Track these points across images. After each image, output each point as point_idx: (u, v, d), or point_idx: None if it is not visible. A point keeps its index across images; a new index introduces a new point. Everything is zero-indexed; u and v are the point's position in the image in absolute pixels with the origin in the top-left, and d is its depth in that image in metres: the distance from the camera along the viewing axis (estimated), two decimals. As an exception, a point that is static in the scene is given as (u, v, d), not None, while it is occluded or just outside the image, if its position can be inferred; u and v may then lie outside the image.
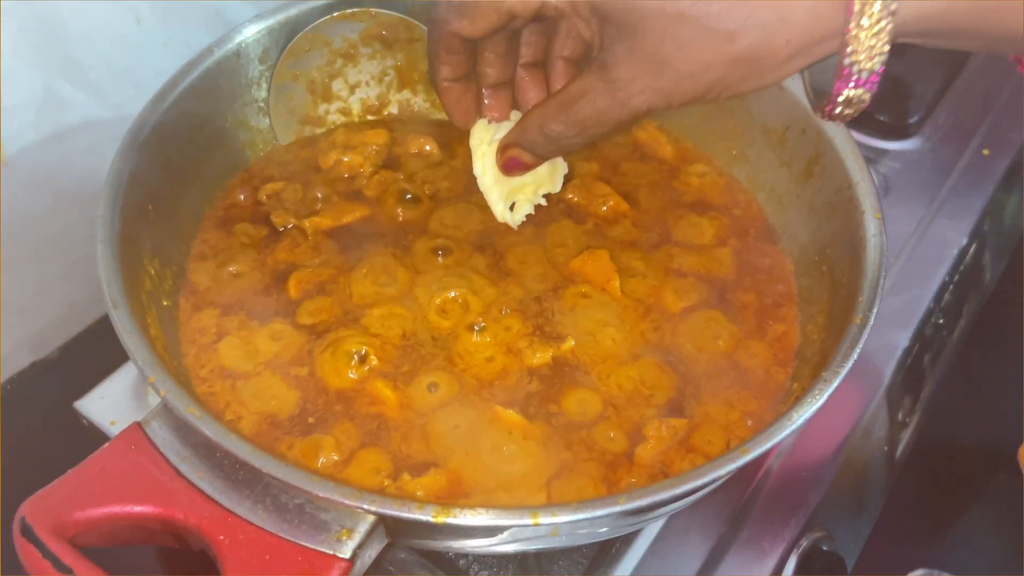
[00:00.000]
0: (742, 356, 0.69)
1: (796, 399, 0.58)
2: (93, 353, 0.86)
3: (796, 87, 0.75)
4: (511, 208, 0.72)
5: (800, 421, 0.54)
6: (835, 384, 0.56)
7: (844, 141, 0.70)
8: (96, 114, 0.87)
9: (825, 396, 0.55)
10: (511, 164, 0.66)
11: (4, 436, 0.88)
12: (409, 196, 0.77)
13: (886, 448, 0.88)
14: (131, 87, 0.89)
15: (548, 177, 0.71)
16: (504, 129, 0.68)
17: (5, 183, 0.81)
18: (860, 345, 0.58)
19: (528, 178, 0.70)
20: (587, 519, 0.50)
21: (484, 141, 0.70)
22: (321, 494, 0.50)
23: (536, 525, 0.49)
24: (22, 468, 0.85)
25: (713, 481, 0.52)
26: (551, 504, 0.53)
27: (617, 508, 0.50)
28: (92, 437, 0.78)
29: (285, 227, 0.75)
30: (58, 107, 0.84)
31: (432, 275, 0.72)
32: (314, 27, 0.78)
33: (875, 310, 0.59)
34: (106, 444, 0.53)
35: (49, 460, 0.83)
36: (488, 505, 0.50)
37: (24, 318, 0.91)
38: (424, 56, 0.81)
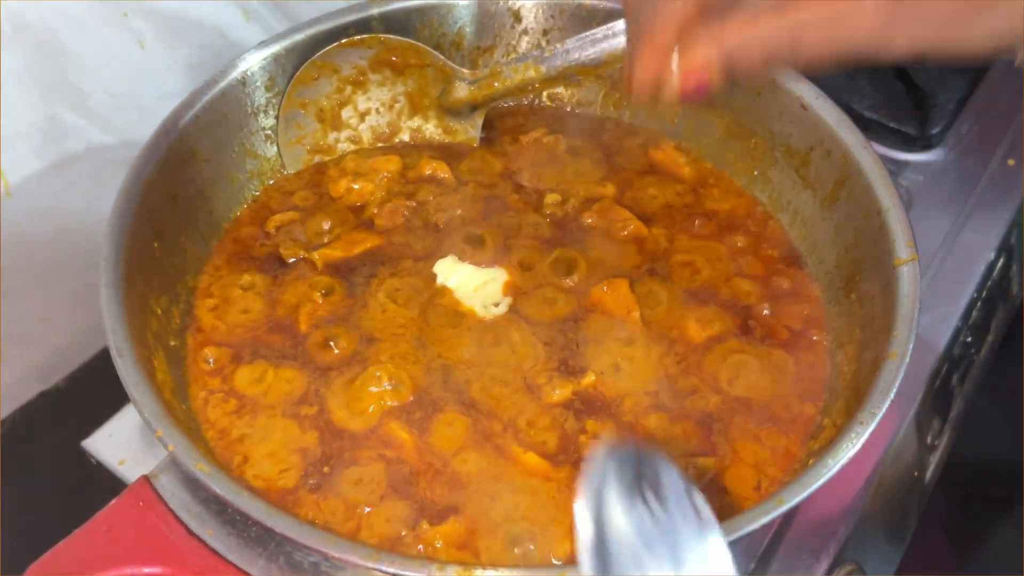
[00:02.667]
0: (769, 390, 0.66)
1: (830, 440, 0.56)
2: (101, 382, 0.84)
3: (821, 106, 0.72)
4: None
5: (836, 468, 0.52)
6: (872, 426, 0.53)
7: (872, 164, 0.68)
8: (99, 140, 0.85)
9: (862, 440, 0.53)
10: (701, 88, 0.55)
11: (11, 473, 0.86)
12: (422, 225, 0.75)
13: (915, 473, 0.86)
14: (134, 112, 0.87)
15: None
16: (459, 271, 0.71)
17: (8, 213, 0.80)
18: (896, 384, 0.55)
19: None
20: (616, 577, 0.48)
21: (452, 273, 0.72)
22: (336, 554, 0.48)
23: (564, 586, 0.47)
24: (30, 507, 0.84)
25: (748, 534, 0.50)
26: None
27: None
28: (101, 476, 0.76)
29: (294, 259, 0.73)
30: (60, 134, 0.82)
31: (443, 314, 0.70)
32: (322, 54, 0.76)
33: (911, 346, 0.57)
34: (113, 501, 0.51)
35: (57, 499, 0.82)
36: (512, 565, 0.48)
37: (30, 348, 0.89)
38: (435, 82, 0.79)
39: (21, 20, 0.73)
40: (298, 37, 0.76)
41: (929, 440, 0.88)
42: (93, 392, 0.85)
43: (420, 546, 0.57)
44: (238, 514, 0.51)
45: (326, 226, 0.75)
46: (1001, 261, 0.96)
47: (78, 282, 0.89)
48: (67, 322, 0.91)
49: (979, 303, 0.93)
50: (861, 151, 0.69)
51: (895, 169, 1.01)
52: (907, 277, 0.62)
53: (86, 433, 0.77)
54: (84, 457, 0.77)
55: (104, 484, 0.77)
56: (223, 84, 0.72)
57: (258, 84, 0.75)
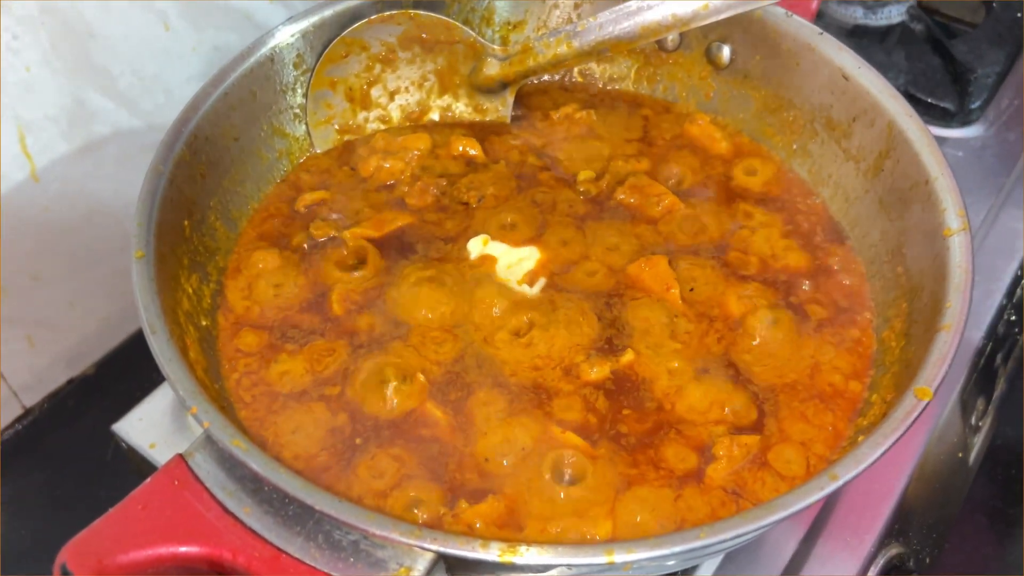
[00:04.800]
0: (814, 365, 0.65)
1: (880, 416, 0.54)
2: (130, 369, 0.84)
3: (864, 76, 0.70)
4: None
5: (891, 442, 0.50)
6: (928, 400, 0.51)
7: (919, 133, 0.66)
8: (126, 123, 0.85)
9: (917, 412, 0.51)
10: None
11: (43, 458, 0.86)
12: (454, 203, 0.74)
13: (960, 454, 0.84)
14: (161, 94, 0.86)
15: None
16: (492, 250, 0.70)
17: (36, 197, 0.79)
18: (951, 356, 0.53)
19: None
20: (663, 556, 0.46)
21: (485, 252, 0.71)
22: (378, 532, 0.47)
23: (611, 564, 0.46)
24: (62, 492, 0.84)
25: (799, 511, 0.48)
26: (624, 540, 0.49)
27: (698, 543, 0.46)
28: (132, 460, 0.76)
29: (325, 239, 0.72)
30: (88, 118, 0.82)
31: (481, 287, 0.68)
32: (351, 31, 0.74)
33: (966, 317, 0.55)
34: (148, 479, 0.50)
35: (88, 483, 0.81)
36: (555, 540, 0.46)
37: (60, 334, 0.89)
38: (465, 59, 0.78)
39: (47, 2, 0.72)
40: (327, 13, 0.74)
41: (973, 421, 0.86)
42: (123, 378, 0.85)
43: (459, 526, 0.55)
44: (275, 491, 0.50)
45: (356, 205, 0.74)
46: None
47: (107, 268, 0.88)
48: (96, 308, 0.90)
49: (1023, 280, 0.91)
50: (907, 120, 0.67)
51: (934, 145, 0.99)
52: (959, 247, 0.60)
53: (116, 419, 0.77)
54: (115, 442, 0.76)
55: (135, 468, 0.76)
56: (251, 61, 0.71)
57: (286, 61, 0.74)
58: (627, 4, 0.72)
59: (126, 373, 0.87)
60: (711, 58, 0.80)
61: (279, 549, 0.49)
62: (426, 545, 0.47)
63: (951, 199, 0.62)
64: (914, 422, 0.51)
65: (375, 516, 0.47)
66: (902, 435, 0.50)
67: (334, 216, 0.73)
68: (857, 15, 1.08)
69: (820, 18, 1.06)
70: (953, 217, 0.61)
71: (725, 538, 0.47)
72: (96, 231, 0.86)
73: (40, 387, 0.89)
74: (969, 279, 0.58)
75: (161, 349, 0.53)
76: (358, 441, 0.60)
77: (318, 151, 0.78)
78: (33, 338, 0.85)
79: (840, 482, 0.48)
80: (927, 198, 0.63)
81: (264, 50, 0.72)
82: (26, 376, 0.86)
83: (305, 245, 0.72)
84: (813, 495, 0.48)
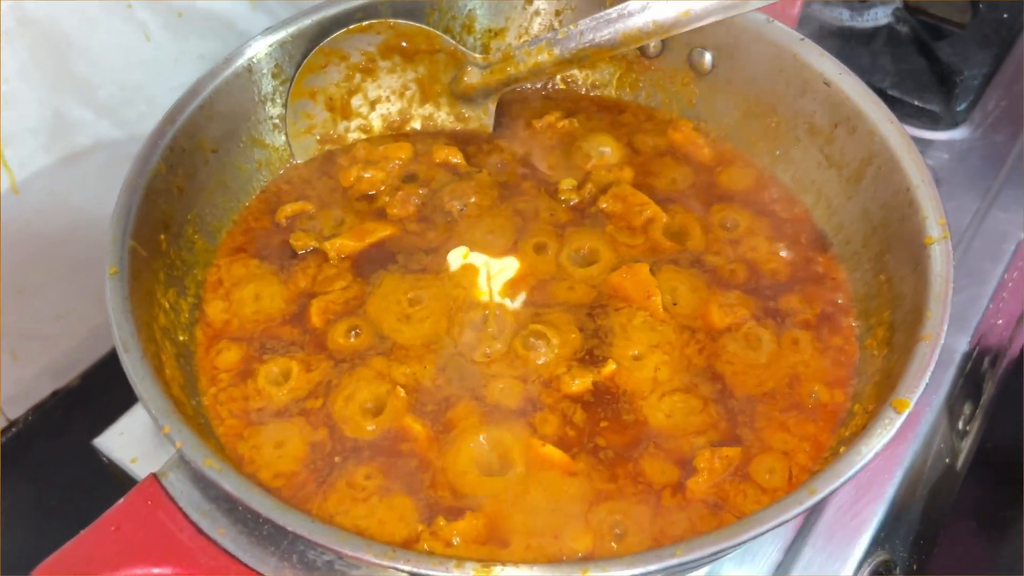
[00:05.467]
0: (796, 375, 0.64)
1: (861, 427, 0.53)
2: (115, 380, 0.83)
3: (845, 82, 0.70)
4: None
5: (870, 455, 0.49)
6: (907, 412, 0.51)
7: (900, 140, 0.65)
8: (108, 134, 0.84)
9: (897, 425, 0.51)
10: None
11: (27, 471, 0.86)
12: (435, 213, 0.73)
13: (948, 460, 0.83)
14: (144, 104, 0.86)
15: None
16: (473, 261, 0.70)
17: (18, 210, 0.79)
18: (931, 367, 0.53)
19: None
20: (639, 574, 0.46)
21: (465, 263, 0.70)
22: (351, 553, 0.46)
23: (586, 582, 0.45)
24: (45, 506, 0.83)
25: (780, 524, 0.48)
26: (602, 559, 0.49)
27: (674, 561, 0.46)
28: (114, 474, 0.75)
29: (305, 250, 0.71)
30: (69, 129, 0.81)
31: (461, 300, 0.68)
32: (330, 41, 0.74)
33: (945, 327, 0.55)
34: (120, 500, 0.50)
35: (72, 497, 0.81)
36: (531, 560, 0.46)
37: (44, 345, 0.88)
38: (446, 68, 0.78)
39: (25, 14, 0.72)
40: (305, 23, 0.74)
41: (961, 426, 0.85)
42: (108, 389, 0.84)
43: (437, 543, 0.55)
44: (249, 512, 0.49)
45: (337, 216, 0.73)
46: (1032, 241, 0.93)
47: (91, 279, 0.87)
48: (81, 319, 0.90)
49: (1010, 283, 0.90)
50: (888, 127, 0.66)
51: (920, 148, 0.98)
52: (939, 256, 0.59)
53: (100, 431, 0.76)
54: (98, 455, 0.76)
55: (118, 482, 0.76)
56: (228, 72, 0.71)
57: (265, 72, 0.73)
58: (607, 11, 0.72)
59: (111, 384, 0.86)
60: (693, 64, 0.79)
61: (253, 570, 0.48)
62: (399, 566, 0.46)
63: (932, 207, 0.62)
64: (893, 436, 0.50)
65: (348, 537, 0.47)
66: (880, 449, 0.50)
67: (314, 227, 0.73)
68: (843, 17, 1.08)
69: (806, 20, 1.06)
70: (934, 226, 0.61)
71: (702, 555, 0.46)
72: (80, 242, 0.85)
73: (25, 399, 0.89)
74: (949, 289, 0.57)
75: (134, 367, 0.53)
76: (337, 459, 0.60)
77: (298, 161, 0.78)
78: (17, 350, 0.85)
79: (818, 497, 0.48)
80: (908, 206, 0.63)
81: (241, 61, 0.72)
82: (10, 388, 0.86)
83: (285, 257, 0.71)
84: (791, 510, 0.48)
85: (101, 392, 0.89)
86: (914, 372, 0.53)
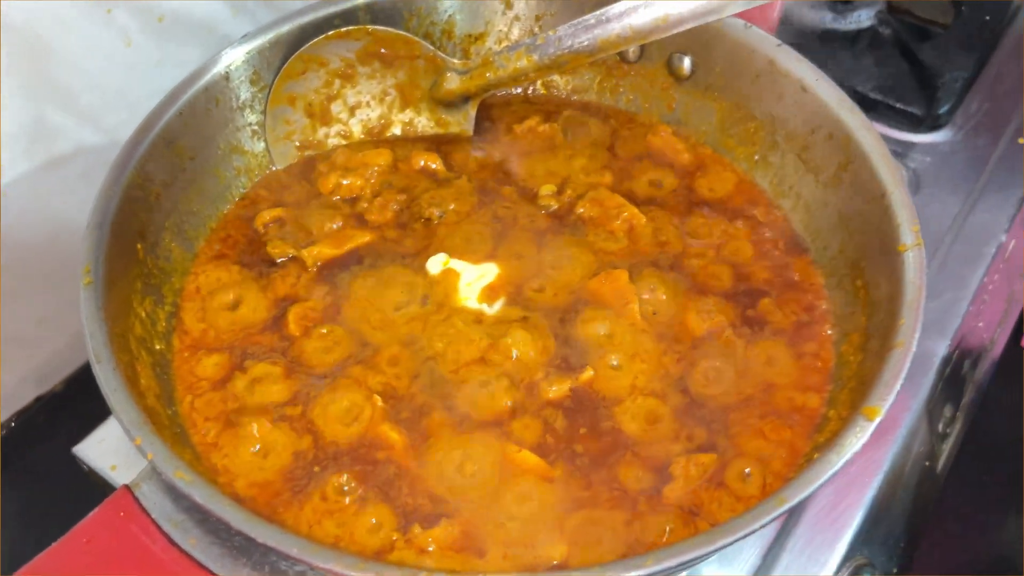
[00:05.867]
0: (772, 381, 0.64)
1: (834, 434, 0.54)
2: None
3: (821, 88, 0.70)
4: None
5: (839, 464, 0.50)
6: (876, 421, 0.51)
7: (875, 146, 0.66)
8: (89, 140, 0.84)
9: (866, 435, 0.51)
10: None
11: (10, 478, 0.86)
12: (415, 219, 0.74)
13: (927, 463, 0.83)
14: (124, 110, 0.85)
15: None
16: (452, 268, 0.70)
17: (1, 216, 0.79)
18: (902, 376, 0.53)
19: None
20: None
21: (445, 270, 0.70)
22: (321, 564, 0.46)
23: (555, 592, 0.45)
24: (28, 513, 0.83)
25: (749, 534, 0.48)
26: (571, 568, 0.49)
27: (643, 571, 0.46)
28: (95, 482, 0.75)
29: (283, 258, 0.71)
30: (50, 135, 0.81)
31: (439, 307, 0.68)
32: (309, 47, 0.74)
33: (917, 335, 0.55)
34: (93, 512, 0.50)
35: (55, 504, 0.81)
36: (505, 569, 0.46)
37: (28, 351, 0.88)
38: (425, 73, 0.78)
39: (4, 21, 0.72)
40: (282, 29, 0.74)
41: (941, 428, 0.86)
42: (93, 394, 0.84)
43: (411, 551, 0.55)
44: (220, 523, 0.49)
45: (315, 223, 0.73)
46: (1012, 244, 0.94)
47: (73, 284, 0.87)
48: (64, 324, 0.90)
49: (991, 286, 0.91)
50: (863, 133, 0.66)
51: (902, 151, 0.99)
52: (912, 263, 0.59)
53: (84, 436, 0.76)
54: (78, 461, 0.76)
55: (100, 489, 0.76)
56: (205, 79, 0.71)
57: (243, 79, 0.73)
58: (586, 17, 0.72)
59: (95, 389, 0.87)
60: (672, 69, 0.79)
61: (225, 581, 0.49)
62: (370, 577, 0.46)
63: (906, 215, 0.62)
64: (863, 445, 0.51)
65: (317, 548, 0.47)
66: (851, 458, 0.50)
67: (293, 235, 0.73)
68: (826, 19, 1.08)
69: (789, 22, 1.06)
70: (907, 233, 0.61)
71: (671, 565, 0.46)
72: (62, 248, 0.85)
73: (8, 404, 0.88)
74: (921, 296, 0.57)
75: (106, 379, 0.53)
76: (316, 469, 0.60)
77: (278, 167, 0.78)
78: (2, 356, 0.85)
79: (787, 506, 0.48)
80: (883, 212, 0.63)
81: (219, 68, 0.72)
82: (-3, 393, 0.86)
83: (264, 265, 0.71)
84: (760, 520, 0.48)
85: (85, 398, 0.89)
86: (886, 380, 0.53)
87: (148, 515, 0.50)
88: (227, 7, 0.88)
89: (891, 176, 0.64)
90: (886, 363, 0.55)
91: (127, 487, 0.51)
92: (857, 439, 0.51)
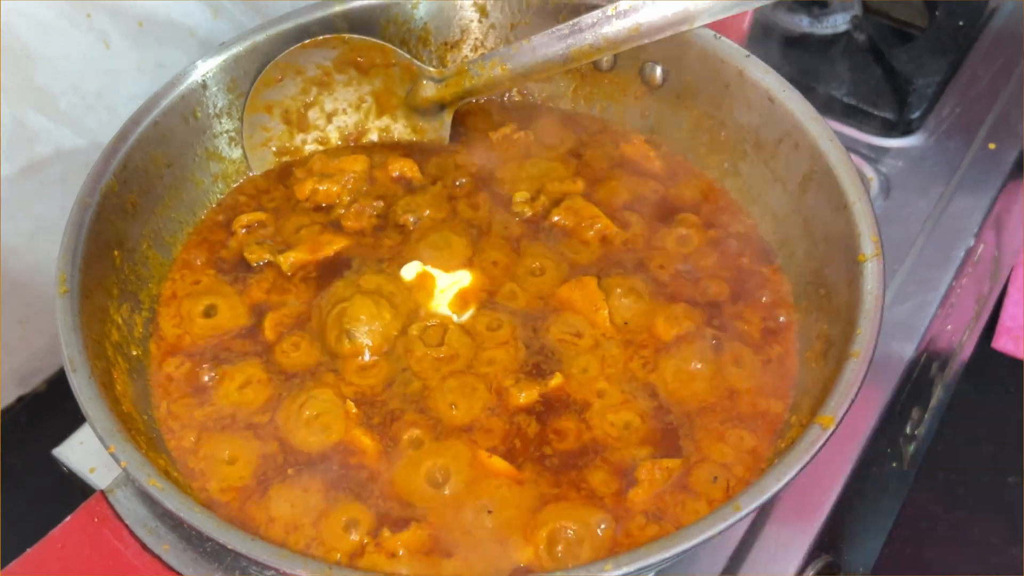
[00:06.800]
0: (737, 387, 0.66)
1: (793, 440, 0.55)
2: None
3: (788, 98, 0.71)
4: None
5: (794, 473, 0.51)
6: (831, 430, 0.53)
7: (839, 157, 0.67)
8: (69, 142, 0.85)
9: (820, 444, 0.52)
10: None
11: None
12: (390, 225, 0.75)
13: (894, 464, 0.85)
14: (104, 113, 0.86)
15: None
16: (426, 275, 0.71)
17: (-21, 218, 0.79)
18: (858, 386, 0.55)
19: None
20: (571, 588, 0.48)
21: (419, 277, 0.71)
22: (288, 570, 0.48)
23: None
24: (14, 512, 0.84)
25: (707, 540, 0.49)
26: (536, 571, 0.51)
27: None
28: (75, 484, 0.76)
29: (259, 263, 0.72)
30: (29, 138, 0.82)
31: (412, 314, 0.69)
32: (285, 55, 0.75)
33: (874, 345, 0.56)
34: (67, 518, 0.51)
35: (35, 505, 0.82)
36: (479, 568, 0.48)
37: (9, 353, 0.89)
38: (401, 81, 0.78)
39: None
40: (259, 38, 0.75)
41: (908, 430, 0.87)
42: (74, 397, 0.85)
43: (381, 555, 0.56)
44: (192, 530, 0.50)
45: (292, 228, 0.74)
46: (981, 248, 0.95)
47: (55, 285, 0.88)
48: (47, 326, 0.89)
49: (959, 290, 0.92)
50: (828, 144, 0.68)
51: (874, 155, 1.00)
52: (871, 273, 0.61)
53: (66, 437, 0.77)
54: (58, 464, 0.77)
55: (80, 491, 0.77)
56: (182, 88, 0.72)
57: (219, 86, 0.74)
58: (559, 27, 0.73)
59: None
60: (644, 78, 0.81)
61: (197, 586, 0.50)
62: (336, 583, 0.48)
63: (866, 225, 0.63)
64: (818, 451, 0.52)
65: (285, 553, 0.48)
66: (805, 465, 0.51)
67: (269, 240, 0.74)
68: (803, 24, 1.09)
69: (767, 27, 1.08)
70: (867, 243, 0.62)
71: (630, 570, 0.48)
72: (42, 250, 0.86)
73: (-11, 407, 0.89)
74: (879, 306, 0.59)
75: (81, 387, 0.54)
76: (290, 472, 0.61)
77: (255, 174, 0.79)
78: (-19, 357, 0.86)
79: (743, 513, 0.50)
80: (845, 222, 0.64)
81: (195, 76, 0.73)
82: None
83: (240, 270, 0.72)
84: (716, 527, 0.49)
85: (67, 398, 0.90)
86: (841, 390, 0.55)
87: (122, 521, 0.51)
88: (207, 10, 0.88)
89: (853, 186, 0.65)
90: (842, 373, 0.56)
91: (102, 493, 0.52)
92: (811, 447, 0.52)
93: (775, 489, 0.51)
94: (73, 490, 0.79)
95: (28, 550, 0.51)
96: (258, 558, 0.48)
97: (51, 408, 0.92)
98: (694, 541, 0.49)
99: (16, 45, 0.76)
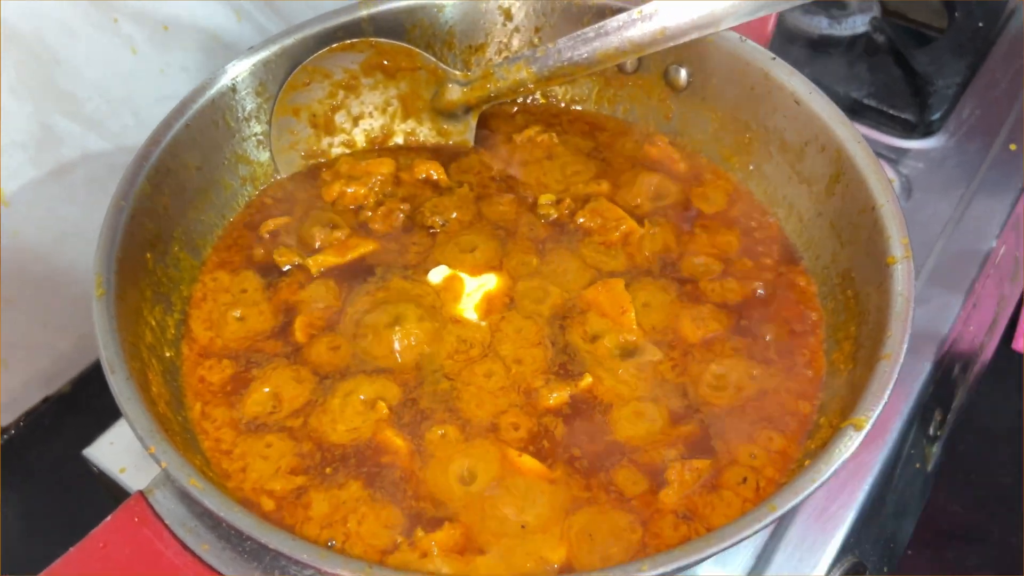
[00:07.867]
0: (765, 388, 0.66)
1: (825, 441, 0.55)
2: (106, 386, 0.85)
3: (815, 101, 0.72)
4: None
5: (829, 473, 0.51)
6: (865, 431, 0.53)
7: (866, 159, 0.67)
8: (95, 146, 0.86)
9: (855, 445, 0.53)
10: None
11: (17, 480, 0.87)
12: (417, 227, 0.75)
13: (918, 465, 0.85)
14: (129, 117, 0.87)
15: None
16: (453, 278, 0.72)
17: (7, 221, 0.80)
18: (890, 387, 0.55)
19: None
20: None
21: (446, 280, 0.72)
22: (328, 569, 0.48)
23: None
24: (35, 515, 0.85)
25: (742, 539, 0.50)
26: (570, 572, 0.51)
27: (639, 576, 0.48)
28: (104, 484, 0.77)
29: (289, 266, 0.73)
30: (56, 142, 0.82)
31: (440, 316, 0.70)
32: (313, 59, 0.75)
33: (905, 347, 0.57)
34: (108, 518, 0.52)
35: (62, 506, 0.83)
36: (503, 573, 0.48)
37: (34, 354, 0.90)
38: (427, 84, 0.79)
39: (12, 30, 0.73)
40: (287, 42, 0.75)
41: (931, 431, 0.87)
42: (99, 395, 0.85)
43: (414, 554, 0.57)
44: (231, 529, 0.51)
45: (320, 231, 0.75)
46: (1003, 250, 0.95)
47: (80, 288, 0.89)
48: (71, 327, 0.91)
49: (981, 291, 0.92)
50: (855, 146, 0.68)
51: (894, 156, 1.00)
52: (901, 275, 0.61)
53: (91, 437, 0.78)
54: (88, 464, 0.78)
55: (108, 491, 0.77)
56: (212, 92, 0.72)
57: (248, 90, 0.75)
58: (585, 31, 0.74)
59: (102, 390, 0.88)
60: (669, 80, 0.81)
61: (236, 585, 0.50)
62: (376, 582, 0.48)
63: (895, 227, 0.63)
64: (851, 454, 0.52)
65: (326, 553, 0.48)
66: (840, 467, 0.52)
67: (298, 243, 0.75)
68: (822, 25, 1.09)
69: (786, 29, 1.08)
70: (896, 245, 0.62)
71: (666, 571, 0.48)
72: (68, 253, 0.87)
73: (15, 406, 0.90)
74: (910, 308, 0.59)
75: (120, 389, 0.55)
76: (328, 471, 0.61)
77: (283, 176, 0.79)
78: (7, 359, 0.86)
79: (778, 513, 0.50)
80: (873, 225, 0.65)
81: (225, 80, 0.73)
82: (1, 396, 0.87)
83: (270, 272, 0.73)
84: (751, 528, 0.50)
85: (92, 398, 0.91)
86: (873, 391, 0.55)
87: (162, 521, 0.52)
88: (231, 14, 0.89)
89: (882, 189, 0.65)
90: (874, 374, 0.56)
91: (141, 493, 0.53)
92: (846, 449, 0.53)
93: (811, 490, 0.51)
94: (98, 490, 0.79)
95: (70, 550, 0.51)
96: (299, 557, 0.48)
97: (75, 409, 0.92)
98: (730, 541, 0.49)
99: (45, 51, 0.77)
